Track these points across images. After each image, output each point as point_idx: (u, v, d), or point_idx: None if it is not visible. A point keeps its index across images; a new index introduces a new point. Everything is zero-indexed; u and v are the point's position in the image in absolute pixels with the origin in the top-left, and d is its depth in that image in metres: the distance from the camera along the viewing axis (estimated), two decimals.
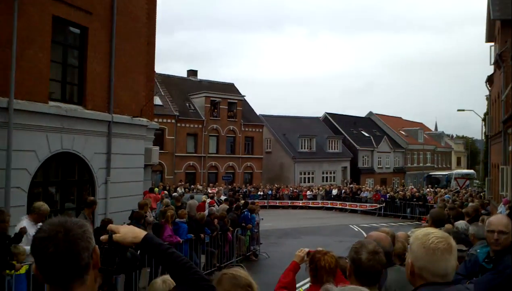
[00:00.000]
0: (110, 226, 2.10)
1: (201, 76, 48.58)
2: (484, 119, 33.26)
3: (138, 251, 2.18)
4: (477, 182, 50.92)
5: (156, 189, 22.11)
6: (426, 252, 2.29)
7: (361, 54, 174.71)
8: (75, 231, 1.63)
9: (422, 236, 2.36)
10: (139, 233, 2.09)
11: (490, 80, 26.47)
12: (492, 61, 24.34)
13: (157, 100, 35.14)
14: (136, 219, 10.50)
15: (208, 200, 18.43)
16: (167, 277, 2.87)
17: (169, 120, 38.56)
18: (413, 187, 40.64)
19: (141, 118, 14.78)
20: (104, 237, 2.00)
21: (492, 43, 25.98)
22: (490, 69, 25.89)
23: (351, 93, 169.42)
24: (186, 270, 2.06)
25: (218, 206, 17.39)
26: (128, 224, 8.97)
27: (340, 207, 35.51)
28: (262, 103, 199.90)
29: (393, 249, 4.22)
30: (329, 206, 36.23)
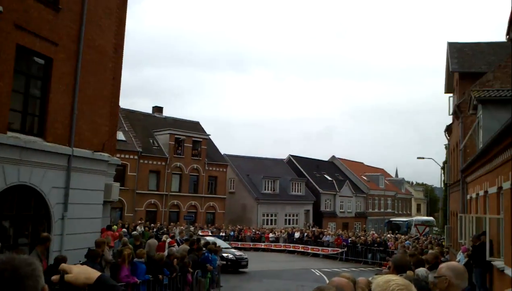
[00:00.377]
0: (62, 266, 1.99)
1: (166, 113, 48.55)
2: (443, 168, 34.09)
3: None
4: (436, 229, 51.82)
5: (115, 227, 21.49)
6: None
7: (324, 99, 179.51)
8: (23, 269, 1.54)
9: (383, 283, 2.36)
10: (93, 273, 1.98)
11: (449, 130, 27.32)
12: (451, 111, 25.23)
13: (120, 136, 34.67)
14: (91, 257, 10.07)
15: (168, 240, 17.99)
16: None
17: (131, 156, 37.98)
18: (374, 232, 40.97)
19: (103, 153, 14.45)
20: (55, 277, 1.90)
21: (451, 94, 27.00)
22: (449, 119, 26.78)
23: (314, 137, 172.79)
24: None
25: (179, 246, 16.97)
26: (83, 263, 8.61)
27: (302, 250, 35.33)
28: (226, 143, 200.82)
29: None
30: (291, 249, 35.99)
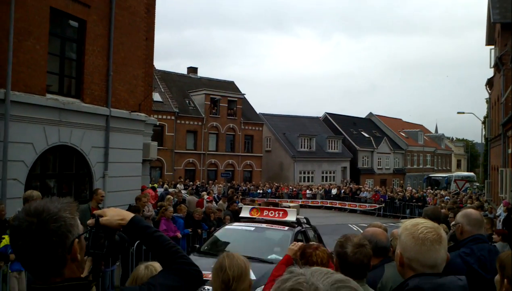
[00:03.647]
0: (96, 211, 2.06)
1: (201, 73, 48.63)
2: (484, 122, 33.21)
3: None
4: (477, 184, 50.85)
5: (156, 185, 22.01)
6: (415, 242, 2.25)
7: (365, 56, 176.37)
8: (49, 225, 1.57)
9: (411, 226, 2.32)
10: (126, 215, 2.03)
11: (490, 83, 26.48)
12: (492, 64, 24.37)
13: (157, 97, 35.07)
14: (133, 213, 10.37)
15: (206, 197, 18.36)
16: (151, 262, 2.82)
17: (168, 117, 38.50)
18: (411, 188, 40.54)
19: (139, 113, 14.71)
20: (90, 221, 1.98)
21: (492, 46, 26.01)
22: (490, 72, 25.91)
23: (353, 94, 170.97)
24: (172, 254, 1.99)
25: (217, 203, 17.32)
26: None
27: (340, 206, 35.44)
28: (264, 102, 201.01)
29: (390, 244, 4.15)
30: (328, 205, 36.15)
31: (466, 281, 2.25)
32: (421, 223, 2.32)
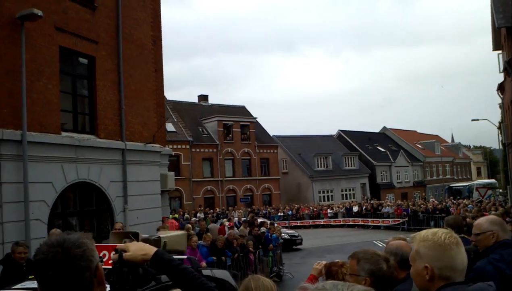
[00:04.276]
0: (120, 246, 2.07)
1: (212, 100, 48.91)
2: (499, 128, 32.77)
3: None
4: (500, 190, 49.93)
5: (176, 215, 22.00)
6: (443, 249, 2.17)
7: (375, 70, 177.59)
8: (74, 251, 1.55)
9: (431, 235, 2.23)
10: (149, 250, 2.05)
11: (501, 88, 26.14)
12: (501, 69, 24.07)
13: (170, 127, 35.28)
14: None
15: (227, 223, 18.26)
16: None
17: (183, 146, 38.63)
18: (434, 199, 39.92)
19: (154, 145, 14.78)
20: (114, 257, 1.94)
21: (500, 51, 25.74)
22: (501, 77, 25.60)
23: (365, 109, 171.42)
24: (198, 286, 2.00)
25: (238, 228, 17.19)
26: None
27: (362, 223, 34.98)
28: (276, 124, 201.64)
29: None
30: (351, 223, 35.70)
31: (495, 286, 2.17)
32: (438, 231, 2.26)
